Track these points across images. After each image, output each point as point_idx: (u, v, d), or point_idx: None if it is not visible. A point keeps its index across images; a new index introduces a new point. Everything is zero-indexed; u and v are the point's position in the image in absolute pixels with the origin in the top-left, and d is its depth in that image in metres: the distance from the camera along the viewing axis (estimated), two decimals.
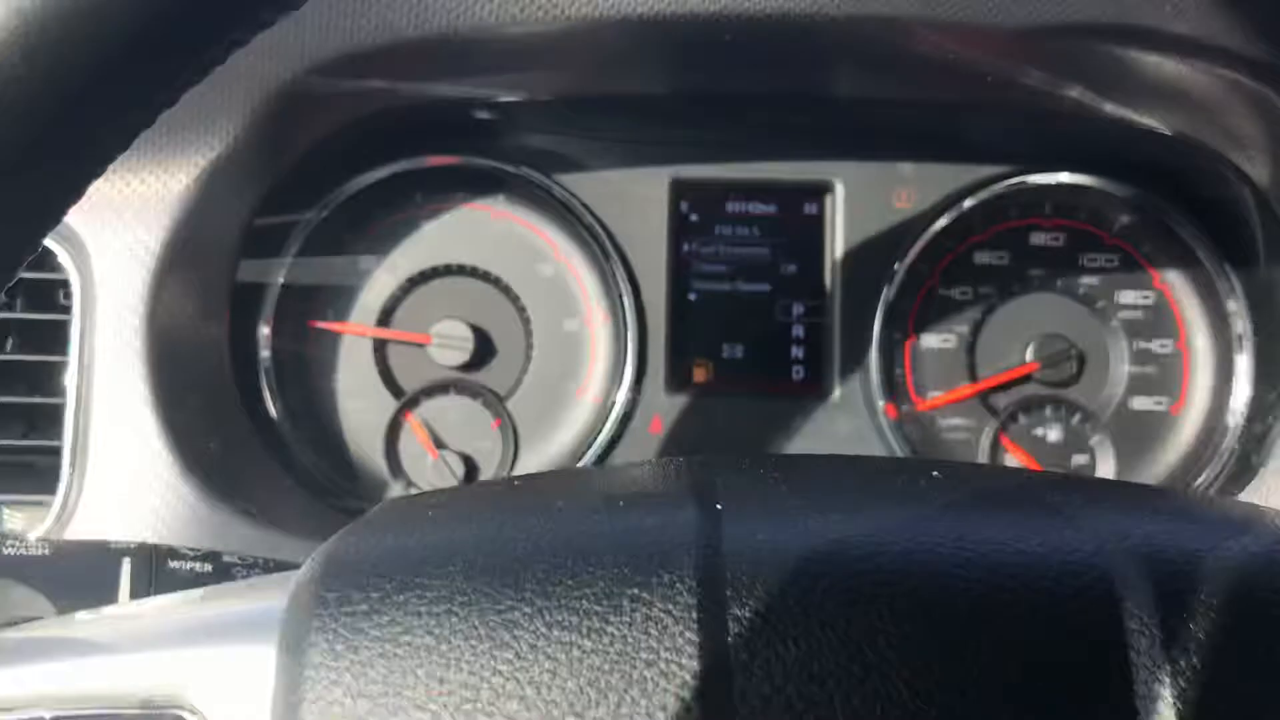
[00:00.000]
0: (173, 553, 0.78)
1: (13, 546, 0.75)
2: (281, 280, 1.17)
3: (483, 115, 1.15)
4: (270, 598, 0.50)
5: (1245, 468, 1.15)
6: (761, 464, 0.62)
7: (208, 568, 0.79)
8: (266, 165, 1.04)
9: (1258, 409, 1.16)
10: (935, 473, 0.59)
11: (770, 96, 1.13)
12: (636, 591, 0.46)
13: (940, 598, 0.45)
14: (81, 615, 0.58)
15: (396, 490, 1.18)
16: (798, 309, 1.22)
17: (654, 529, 0.49)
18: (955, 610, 0.45)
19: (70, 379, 1.00)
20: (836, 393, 1.20)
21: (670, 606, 0.45)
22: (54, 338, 1.02)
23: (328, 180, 1.17)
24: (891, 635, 0.44)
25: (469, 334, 1.18)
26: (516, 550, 0.49)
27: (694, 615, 0.45)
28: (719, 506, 0.51)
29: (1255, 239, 1.15)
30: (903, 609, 0.45)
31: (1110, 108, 1.03)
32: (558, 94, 1.10)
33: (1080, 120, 1.09)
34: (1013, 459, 1.19)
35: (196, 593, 0.58)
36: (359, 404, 1.19)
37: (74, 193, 0.43)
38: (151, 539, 0.99)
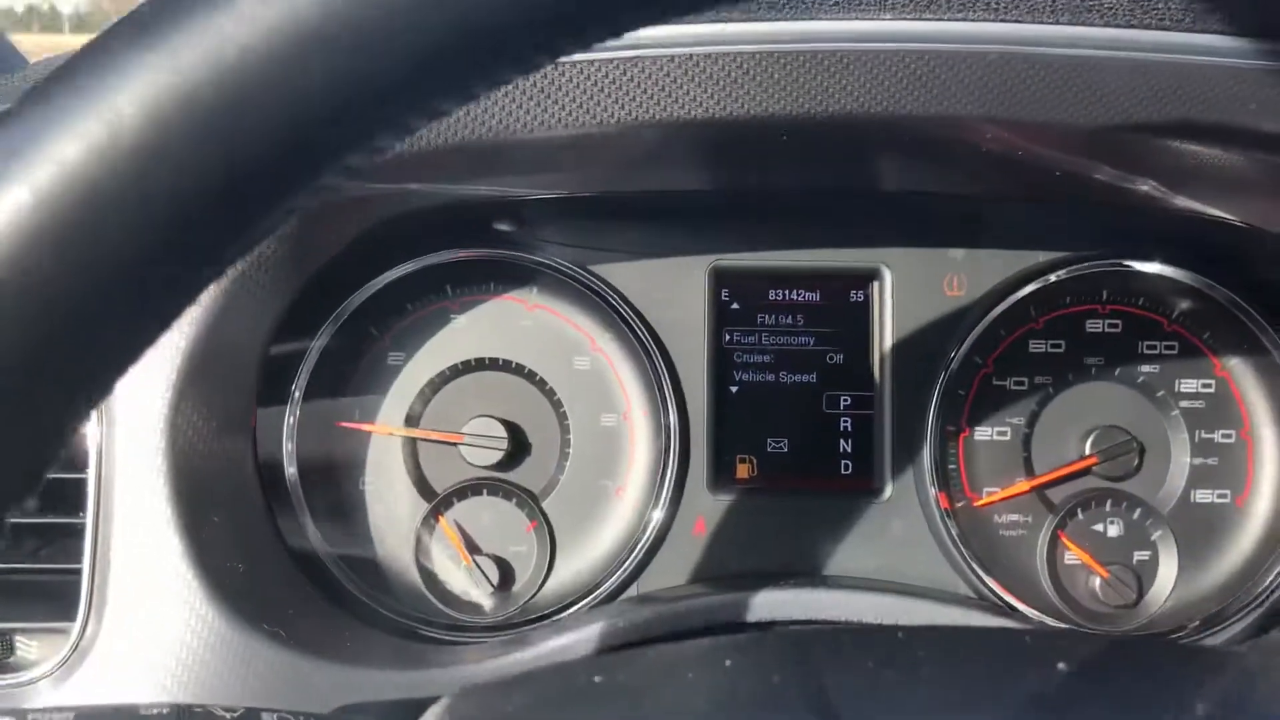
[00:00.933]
0: (208, 715, 0.72)
1: (35, 718, 0.69)
2: (306, 382, 1.12)
3: (504, 227, 1.11)
4: None
5: None
6: (872, 653, 0.56)
7: None
8: (293, 269, 0.99)
9: None
10: (1061, 664, 0.54)
11: (817, 189, 1.08)
12: None
13: None
14: None
15: (430, 601, 1.11)
16: (845, 400, 1.17)
17: None
18: None
19: (89, 498, 0.94)
20: (888, 489, 1.15)
21: None
22: (69, 453, 0.96)
23: (353, 278, 1.12)
24: None
25: (503, 432, 1.12)
26: None
27: None
28: None
29: None
30: None
31: (1181, 201, 0.98)
32: (596, 191, 1.05)
33: (1141, 210, 1.04)
34: (1072, 556, 1.14)
35: None
36: (389, 507, 1.14)
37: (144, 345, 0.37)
38: (176, 668, 0.94)
